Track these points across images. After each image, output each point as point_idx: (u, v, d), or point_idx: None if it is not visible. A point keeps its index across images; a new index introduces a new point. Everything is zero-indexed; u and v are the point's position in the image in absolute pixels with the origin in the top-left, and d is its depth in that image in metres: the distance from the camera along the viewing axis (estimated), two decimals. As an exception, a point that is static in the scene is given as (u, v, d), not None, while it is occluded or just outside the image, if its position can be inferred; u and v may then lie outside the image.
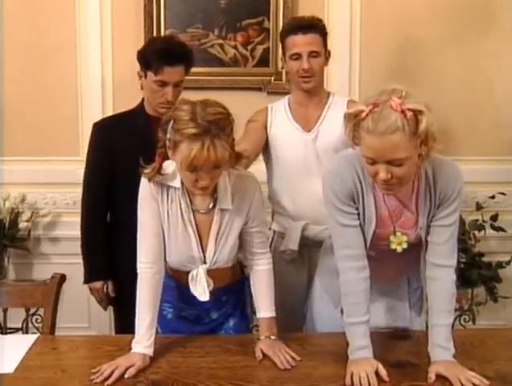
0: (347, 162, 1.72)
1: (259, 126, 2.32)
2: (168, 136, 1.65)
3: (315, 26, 2.25)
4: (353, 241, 1.74)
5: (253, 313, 1.98)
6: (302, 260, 2.32)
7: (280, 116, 2.34)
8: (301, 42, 2.23)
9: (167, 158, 1.73)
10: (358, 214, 1.74)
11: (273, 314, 1.85)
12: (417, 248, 1.80)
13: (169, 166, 1.76)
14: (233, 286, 1.97)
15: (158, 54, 2.18)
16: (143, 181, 1.78)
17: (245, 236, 1.86)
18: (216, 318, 1.97)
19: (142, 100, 2.35)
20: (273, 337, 1.81)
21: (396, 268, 1.91)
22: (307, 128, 2.30)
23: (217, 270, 1.85)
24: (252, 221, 1.84)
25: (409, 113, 1.51)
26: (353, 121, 1.57)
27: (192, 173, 1.64)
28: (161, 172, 1.75)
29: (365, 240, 1.76)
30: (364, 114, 1.54)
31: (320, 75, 2.30)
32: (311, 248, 2.27)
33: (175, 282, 1.92)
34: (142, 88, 2.33)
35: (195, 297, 1.85)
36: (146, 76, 2.23)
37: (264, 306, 1.86)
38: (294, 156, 2.28)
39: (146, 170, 1.75)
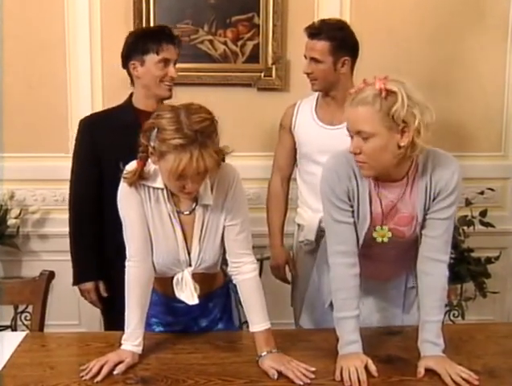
0: (345, 160, 1.73)
1: (287, 132, 2.45)
2: (152, 144, 1.60)
3: (323, 33, 2.27)
4: (346, 238, 1.75)
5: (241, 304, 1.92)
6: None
7: (305, 113, 2.41)
8: (307, 46, 2.33)
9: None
10: (353, 211, 1.74)
11: (268, 325, 1.75)
12: (414, 246, 1.79)
13: (149, 166, 1.70)
14: (218, 292, 1.95)
15: (155, 35, 2.25)
16: (123, 181, 1.72)
17: (225, 233, 1.78)
18: (205, 325, 1.95)
19: (130, 95, 2.34)
20: (274, 350, 1.72)
21: (392, 267, 1.91)
22: (330, 124, 2.34)
23: (202, 276, 1.80)
24: (229, 212, 1.76)
25: (384, 92, 1.57)
26: None
27: (179, 181, 1.61)
28: (143, 175, 1.70)
29: (358, 238, 1.76)
30: (353, 90, 1.63)
31: (326, 80, 2.31)
32: None
33: (159, 296, 1.89)
34: (132, 84, 2.32)
35: (180, 308, 1.83)
36: (143, 64, 2.23)
37: (257, 319, 1.75)
38: (315, 150, 2.31)
39: (127, 175, 1.71)
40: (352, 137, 1.64)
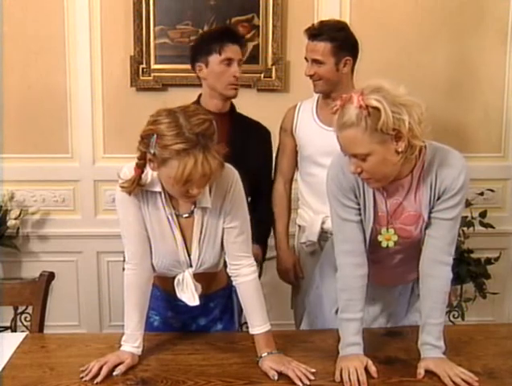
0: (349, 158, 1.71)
1: (288, 135, 2.45)
2: (152, 151, 1.55)
3: (324, 34, 2.27)
4: (353, 236, 1.73)
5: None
6: (321, 252, 2.33)
7: (306, 115, 2.41)
8: (308, 48, 2.33)
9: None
10: (359, 209, 1.72)
11: (268, 327, 1.74)
12: (419, 251, 1.76)
13: (146, 173, 1.67)
14: (220, 293, 1.95)
15: (219, 35, 2.31)
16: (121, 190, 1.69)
17: (224, 235, 1.76)
18: (203, 324, 1.95)
19: (198, 97, 2.37)
20: (274, 351, 1.71)
21: (400, 272, 1.89)
22: (331, 125, 2.32)
23: (203, 275, 1.80)
24: (227, 215, 1.73)
25: (366, 110, 1.51)
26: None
27: (184, 187, 1.57)
28: (140, 183, 1.67)
29: (365, 238, 1.74)
30: (335, 108, 1.58)
31: (329, 81, 2.31)
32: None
33: (161, 291, 1.88)
34: (200, 83, 2.35)
35: (181, 306, 1.82)
36: (207, 65, 2.29)
37: (257, 321, 1.74)
38: (317, 151, 2.31)
39: (124, 184, 1.66)
40: (349, 157, 1.61)
